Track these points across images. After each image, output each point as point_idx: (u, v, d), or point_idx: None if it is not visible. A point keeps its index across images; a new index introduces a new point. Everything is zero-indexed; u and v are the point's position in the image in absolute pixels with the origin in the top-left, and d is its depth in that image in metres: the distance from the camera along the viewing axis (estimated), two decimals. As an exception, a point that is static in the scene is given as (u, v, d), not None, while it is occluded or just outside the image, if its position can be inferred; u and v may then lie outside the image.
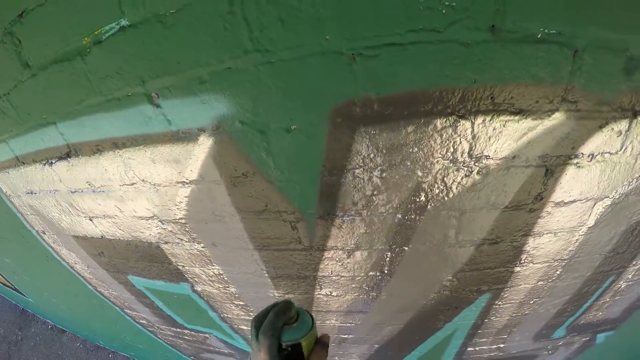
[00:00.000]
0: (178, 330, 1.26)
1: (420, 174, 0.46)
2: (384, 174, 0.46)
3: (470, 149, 0.43)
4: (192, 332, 1.22)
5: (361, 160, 0.45)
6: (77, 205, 0.75)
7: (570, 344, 0.93)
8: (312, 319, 0.42)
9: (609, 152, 0.45)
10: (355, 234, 0.54)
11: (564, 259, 0.59)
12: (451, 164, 0.45)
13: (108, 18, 0.44)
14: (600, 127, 0.42)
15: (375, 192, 0.48)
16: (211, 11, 0.37)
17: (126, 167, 0.57)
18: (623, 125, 0.43)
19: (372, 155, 0.44)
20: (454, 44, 0.35)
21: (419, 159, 0.44)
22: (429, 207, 0.50)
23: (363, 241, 0.56)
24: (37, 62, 0.56)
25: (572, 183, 0.47)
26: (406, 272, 0.60)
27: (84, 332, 2.39)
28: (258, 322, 0.40)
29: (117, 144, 0.55)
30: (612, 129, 0.43)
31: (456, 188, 0.47)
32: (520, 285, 0.65)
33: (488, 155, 0.44)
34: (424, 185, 0.47)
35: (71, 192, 0.73)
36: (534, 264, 0.60)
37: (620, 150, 0.45)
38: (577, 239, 0.56)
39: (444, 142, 0.43)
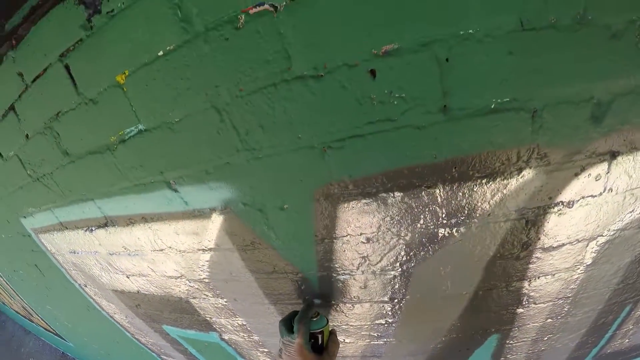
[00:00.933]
0: (212, 376, 1.58)
1: (402, 239, 0.63)
2: (369, 240, 0.64)
3: (444, 213, 0.58)
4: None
5: (347, 229, 0.64)
6: (115, 264, 1.09)
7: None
8: (327, 318, 0.73)
9: (591, 196, 0.55)
10: (355, 289, 0.75)
11: (568, 297, 0.70)
12: (429, 228, 0.60)
13: (128, 123, 0.70)
14: (576, 174, 0.52)
15: (364, 255, 0.67)
16: (206, 121, 0.60)
17: (155, 236, 0.85)
18: (601, 168, 0.52)
19: (355, 225, 0.63)
20: (409, 129, 0.50)
21: (399, 226, 0.61)
22: (416, 264, 0.66)
23: (363, 295, 0.76)
24: (74, 152, 0.87)
25: (557, 229, 0.58)
26: (409, 320, 0.79)
27: (123, 377, 2.98)
28: (286, 323, 0.71)
29: (146, 219, 0.83)
30: (589, 174, 0.52)
31: (438, 247, 0.63)
32: (528, 324, 0.77)
33: (462, 218, 0.58)
34: (408, 247, 0.64)
35: (109, 254, 1.06)
36: (537, 304, 0.71)
37: (604, 191, 0.54)
38: (577, 278, 0.66)
39: (418, 210, 0.58)
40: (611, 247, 0.63)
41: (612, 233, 0.61)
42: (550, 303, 0.72)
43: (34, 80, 0.82)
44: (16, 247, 1.74)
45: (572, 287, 0.68)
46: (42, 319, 2.91)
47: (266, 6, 0.48)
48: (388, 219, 0.61)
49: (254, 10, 0.49)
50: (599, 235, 0.60)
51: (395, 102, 0.49)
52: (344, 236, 0.65)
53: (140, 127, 0.68)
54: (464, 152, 0.51)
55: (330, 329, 0.74)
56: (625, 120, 0.50)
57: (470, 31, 0.43)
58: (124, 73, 0.64)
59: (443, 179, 0.54)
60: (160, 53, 0.58)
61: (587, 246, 0.61)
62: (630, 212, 0.59)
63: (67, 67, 0.73)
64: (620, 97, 0.48)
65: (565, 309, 0.74)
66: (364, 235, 0.64)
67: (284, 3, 0.47)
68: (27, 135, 0.98)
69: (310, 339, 0.68)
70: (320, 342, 0.70)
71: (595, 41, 0.44)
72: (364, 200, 0.59)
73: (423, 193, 0.56)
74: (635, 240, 0.63)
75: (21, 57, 0.82)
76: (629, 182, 0.56)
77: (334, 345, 0.72)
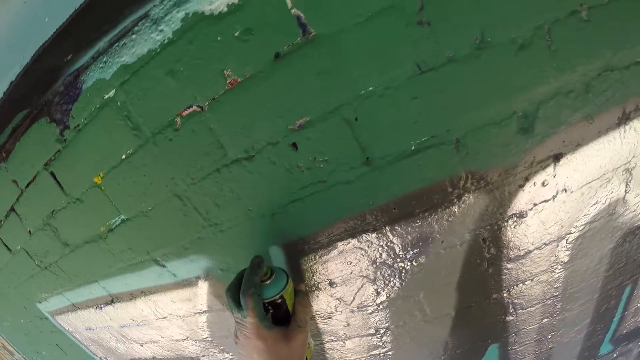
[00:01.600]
0: None
1: (366, 278, 0.69)
2: (333, 285, 0.72)
3: (398, 250, 0.64)
4: None
5: (315, 278, 0.72)
6: (128, 335, 1.18)
7: (629, 351, 0.97)
8: (285, 271, 0.59)
9: (543, 201, 0.58)
10: (340, 328, 0.81)
11: (557, 295, 0.71)
12: (388, 264, 0.66)
13: (111, 215, 0.81)
14: (520, 186, 0.56)
15: (338, 297, 0.74)
16: (172, 207, 0.71)
17: (156, 306, 0.94)
18: (546, 173, 0.55)
19: (321, 273, 0.71)
20: (340, 185, 0.58)
21: (360, 267, 0.68)
22: (387, 298, 0.72)
23: (349, 332, 0.81)
24: (73, 242, 0.98)
25: (518, 240, 0.61)
26: (403, 346, 0.82)
27: None
28: (232, 292, 0.52)
29: (145, 292, 0.93)
30: (534, 183, 0.55)
31: (404, 278, 0.68)
32: (524, 328, 0.79)
33: (415, 251, 0.64)
34: (375, 284, 0.70)
35: (121, 326, 1.15)
36: (525, 309, 0.73)
37: (557, 193, 0.57)
38: (558, 277, 0.68)
39: (372, 250, 0.65)
40: (585, 241, 0.64)
41: (580, 228, 0.61)
42: (539, 305, 0.73)
43: (27, 185, 0.94)
44: (36, 330, 1.85)
45: (556, 286, 0.69)
46: (73, 393, 2.97)
47: (194, 107, 0.58)
48: (347, 264, 0.68)
49: (186, 112, 0.59)
50: (567, 234, 0.62)
51: (321, 165, 0.57)
52: (314, 284, 0.73)
53: (122, 217, 0.79)
54: (397, 194, 0.57)
55: (293, 287, 0.59)
56: (558, 122, 0.51)
57: (370, 89, 0.49)
58: (99, 175, 0.75)
59: (386, 220, 0.60)
60: (123, 157, 0.69)
61: (557, 247, 0.62)
62: (594, 204, 0.60)
63: (52, 174, 0.84)
64: (545, 104, 0.50)
65: (559, 307, 0.75)
66: (331, 281, 0.71)
67: (207, 103, 0.57)
68: (29, 232, 1.10)
69: (267, 308, 0.54)
70: (284, 308, 0.55)
71: (503, 58, 0.46)
72: (321, 251, 0.67)
73: (372, 235, 0.63)
74: (610, 227, 0.64)
75: (13, 167, 0.94)
76: (583, 178, 0.57)
77: (303, 309, 0.57)
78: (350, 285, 0.71)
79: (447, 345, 0.85)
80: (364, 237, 0.64)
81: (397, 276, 0.69)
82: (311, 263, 0.69)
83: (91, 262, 0.99)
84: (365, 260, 0.67)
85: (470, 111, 0.50)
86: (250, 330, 0.51)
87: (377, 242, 0.64)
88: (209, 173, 0.63)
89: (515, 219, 0.58)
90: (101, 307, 1.14)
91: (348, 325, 0.79)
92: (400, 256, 0.65)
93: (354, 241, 0.65)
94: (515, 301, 0.72)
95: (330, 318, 0.79)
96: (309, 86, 0.51)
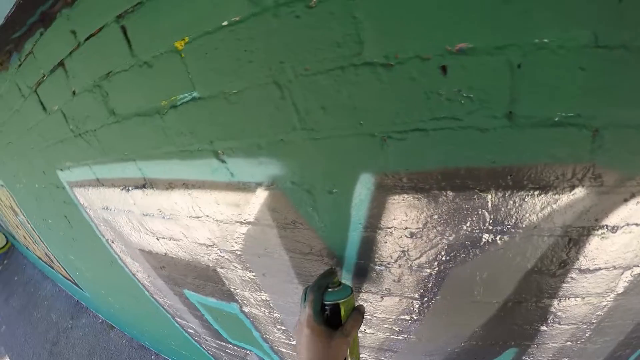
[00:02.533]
0: (222, 343, 1.71)
1: (445, 238, 0.64)
2: (413, 235, 0.67)
3: (492, 219, 0.59)
4: (235, 347, 1.65)
5: (393, 222, 0.66)
6: (147, 225, 1.16)
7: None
8: (352, 289, 0.69)
9: (635, 224, 0.54)
10: (388, 282, 0.77)
11: (593, 322, 0.71)
12: (474, 232, 0.62)
13: (182, 89, 0.73)
14: (625, 200, 0.52)
15: (405, 249, 0.69)
16: (266, 96, 0.62)
17: (193, 203, 0.90)
18: None
19: (402, 219, 0.65)
20: (473, 130, 0.51)
21: (445, 226, 0.63)
22: (454, 266, 0.68)
23: (394, 288, 0.78)
24: (121, 112, 0.91)
25: (596, 253, 0.58)
26: (434, 320, 0.81)
27: (132, 331, 3.24)
28: (306, 288, 0.66)
29: (187, 185, 0.88)
30: (638, 202, 0.52)
31: (479, 251, 0.64)
32: (548, 344, 0.79)
33: (509, 226, 0.59)
34: (449, 248, 0.66)
35: (143, 214, 1.13)
36: (561, 324, 0.73)
37: None
38: (605, 305, 0.67)
39: (466, 212, 0.60)
40: None
41: None
42: (574, 326, 0.73)
43: (87, 38, 0.86)
44: (48, 197, 1.87)
45: (598, 313, 0.69)
46: (62, 267, 3.14)
47: (342, -14, 0.48)
48: (436, 217, 0.62)
49: (326, -10, 0.49)
50: (635, 265, 0.60)
51: (463, 102, 0.50)
52: (388, 228, 0.67)
53: (195, 94, 0.71)
54: (522, 161, 0.52)
55: (355, 305, 0.68)
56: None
57: (545, 40, 0.43)
58: (184, 40, 0.66)
59: (497, 184, 0.55)
60: (225, 23, 0.59)
61: (622, 274, 0.61)
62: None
63: (123, 29, 0.75)
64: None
65: (587, 335, 0.75)
66: (409, 230, 0.66)
67: None
68: (74, 92, 1.03)
69: (325, 310, 0.64)
70: (340, 316, 0.65)
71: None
72: (415, 195, 0.61)
73: (475, 196, 0.57)
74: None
75: (76, 16, 0.85)
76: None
77: (353, 323, 0.65)
78: (425, 241, 0.66)
79: (475, 333, 0.83)
80: (466, 195, 0.58)
81: (475, 247, 0.64)
82: (398, 204, 0.63)
83: (136, 138, 0.93)
84: (455, 219, 0.61)
85: (621, 105, 0.46)
86: (304, 318, 0.63)
87: (475, 205, 0.58)
88: (330, 68, 0.54)
89: (605, 230, 0.56)
90: (129, 189, 1.11)
91: (398, 281, 0.75)
92: (489, 228, 0.61)
93: (454, 195, 0.58)
94: (559, 313, 0.70)
95: (385, 268, 0.75)
96: (488, 11, 0.44)
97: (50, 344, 3.95)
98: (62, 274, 3.64)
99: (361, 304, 0.71)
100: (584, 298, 0.66)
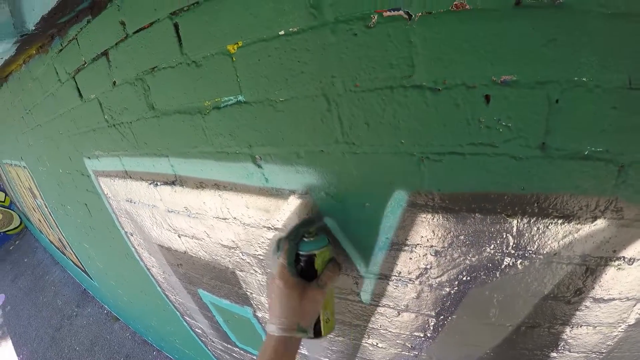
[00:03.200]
0: (229, 346, 1.71)
1: (468, 259, 0.66)
2: (437, 254, 0.68)
3: (515, 243, 0.61)
4: (241, 352, 1.65)
5: (419, 239, 0.68)
6: (170, 222, 1.18)
7: None
8: (328, 239, 0.67)
9: None
10: (407, 297, 0.78)
11: (602, 352, 0.71)
12: (496, 254, 0.64)
13: (228, 92, 0.75)
14: None
15: (428, 267, 0.71)
16: (313, 107, 0.63)
17: (222, 205, 0.92)
18: None
19: (429, 237, 0.66)
20: (507, 157, 0.54)
21: (469, 247, 0.65)
22: (473, 286, 0.70)
23: (412, 305, 0.79)
24: (162, 108, 0.94)
25: (612, 283, 0.60)
26: (447, 340, 0.82)
27: (137, 326, 3.27)
28: (280, 239, 0.63)
29: (218, 186, 0.90)
30: None
31: (499, 274, 0.66)
32: None
33: (531, 251, 0.61)
34: (470, 269, 0.67)
35: (168, 210, 1.15)
36: (571, 352, 0.73)
37: None
38: (616, 335, 0.67)
39: (492, 235, 0.62)
40: None
41: None
42: (584, 355, 0.73)
43: (137, 31, 0.89)
44: (71, 184, 1.93)
45: (608, 343, 0.70)
46: (74, 254, 3.21)
47: (401, 12, 0.51)
48: (462, 237, 0.64)
49: (389, 13, 0.52)
50: None
51: (501, 130, 0.53)
52: (414, 245, 0.69)
53: (240, 98, 0.73)
54: (549, 190, 0.55)
55: (331, 256, 0.66)
56: None
57: (584, 79, 0.46)
58: (237, 43, 0.68)
59: (523, 210, 0.58)
60: (282, 32, 0.61)
61: (634, 306, 0.63)
62: (685, 282, 0.60)
63: (175, 26, 0.78)
64: None
65: None
66: (434, 248, 0.67)
67: (420, 13, 0.50)
68: (114, 82, 1.07)
69: (299, 261, 0.62)
70: (313, 269, 0.63)
71: None
72: (444, 215, 0.63)
73: (501, 220, 0.60)
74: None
75: (128, 7, 0.89)
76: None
77: (329, 274, 0.64)
78: (449, 260, 0.67)
79: (486, 355, 0.82)
80: (493, 219, 0.60)
81: (496, 269, 0.66)
82: (427, 222, 0.64)
83: (172, 136, 0.96)
84: (479, 241, 0.63)
85: None
86: (277, 270, 0.61)
87: (501, 229, 0.61)
88: (379, 87, 0.56)
89: (622, 262, 0.58)
90: (157, 184, 1.13)
91: (417, 298, 0.76)
92: (511, 252, 0.63)
93: (482, 218, 0.61)
94: (570, 341, 0.71)
95: (405, 284, 0.75)
96: (534, 47, 0.47)
97: (53, 329, 4.03)
98: (72, 261, 3.73)
99: (337, 256, 0.68)
100: (595, 327, 0.67)
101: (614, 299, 0.62)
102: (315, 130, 0.65)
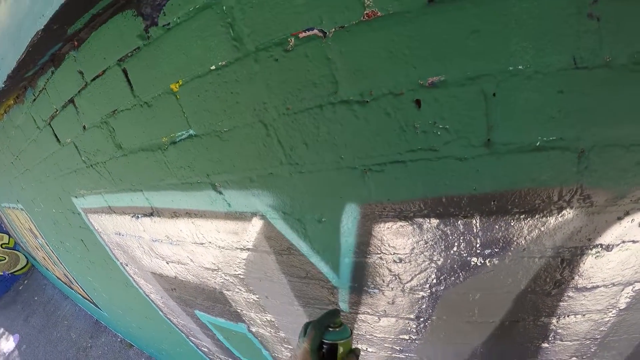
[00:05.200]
0: (235, 361, 1.76)
1: (434, 263, 0.68)
2: (401, 260, 0.71)
3: (479, 243, 0.62)
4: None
5: (380, 248, 0.71)
6: (157, 250, 1.25)
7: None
8: (351, 331, 0.72)
9: (632, 241, 0.55)
10: (383, 304, 0.82)
11: (597, 338, 0.71)
12: (462, 255, 0.65)
13: (179, 127, 0.81)
14: (619, 218, 0.53)
15: (396, 273, 0.74)
16: (253, 134, 0.69)
17: (197, 231, 0.98)
18: None
19: (389, 245, 0.69)
20: (451, 159, 0.55)
21: (432, 251, 0.66)
22: (445, 288, 0.71)
23: (390, 310, 0.82)
24: (127, 147, 1.01)
25: (593, 271, 0.59)
26: (433, 339, 0.84)
27: (150, 350, 3.36)
28: (306, 325, 0.68)
29: (189, 214, 0.96)
30: (633, 220, 0.52)
31: (470, 274, 0.67)
32: (552, 359, 0.79)
33: (496, 250, 0.61)
34: (439, 271, 0.69)
35: (152, 240, 1.22)
36: (563, 341, 0.73)
37: None
38: (608, 320, 0.67)
39: (452, 238, 0.63)
40: None
41: None
42: (577, 342, 0.74)
43: (93, 79, 0.96)
44: (65, 222, 2.01)
45: (601, 329, 0.70)
46: (81, 287, 3.32)
47: (315, 31, 0.54)
48: (422, 242, 0.66)
49: (304, 34, 0.55)
50: (636, 281, 0.61)
51: (439, 133, 0.54)
52: (377, 254, 0.72)
53: (191, 132, 0.79)
54: (504, 187, 0.55)
55: (352, 347, 0.71)
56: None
57: (520, 67, 0.46)
58: (178, 82, 0.74)
59: (481, 210, 0.58)
60: (213, 67, 0.67)
61: (622, 290, 0.62)
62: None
63: (124, 71, 0.85)
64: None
65: (592, 350, 0.75)
66: (397, 255, 0.70)
67: (333, 29, 0.53)
68: (84, 127, 1.14)
69: (322, 349, 0.67)
70: (335, 356, 0.68)
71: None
72: (400, 223, 0.65)
73: (459, 222, 0.61)
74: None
75: (82, 58, 0.96)
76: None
77: None
78: (414, 265, 0.70)
79: (476, 351, 0.85)
80: (451, 221, 0.61)
81: (465, 270, 0.67)
82: (385, 231, 0.68)
83: (141, 171, 1.03)
84: (441, 244, 0.65)
85: (605, 125, 0.47)
86: (301, 353, 0.64)
87: (461, 230, 0.62)
88: (309, 107, 0.60)
89: (599, 249, 0.57)
90: (138, 217, 1.20)
91: (393, 303, 0.80)
92: (477, 251, 0.64)
93: (439, 222, 0.62)
94: (559, 331, 0.72)
95: (379, 291, 0.79)
96: (456, 43, 0.47)
97: (70, 363, 4.15)
98: (81, 294, 3.84)
99: (357, 347, 0.74)
100: (584, 315, 0.68)
101: (598, 287, 0.63)
102: (261, 155, 0.71)
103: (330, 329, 0.69)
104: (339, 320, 0.71)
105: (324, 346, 0.67)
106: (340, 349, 0.67)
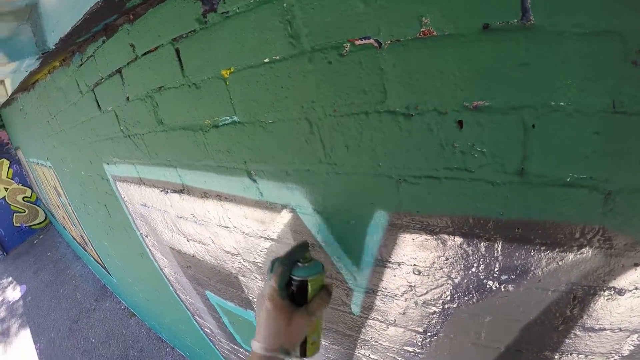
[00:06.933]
0: (235, 347, 1.86)
1: (451, 280, 0.70)
2: (420, 273, 0.73)
3: (498, 268, 0.64)
4: (247, 353, 1.77)
5: (402, 258, 0.74)
6: (180, 227, 1.32)
7: None
8: (322, 266, 0.70)
9: None
10: (394, 313, 0.84)
11: None
12: (479, 277, 0.67)
13: (224, 112, 0.86)
14: (636, 264, 0.53)
15: (412, 284, 0.76)
16: (297, 129, 0.73)
17: (224, 214, 1.04)
18: None
19: (411, 256, 0.72)
20: (483, 182, 0.57)
21: (451, 268, 0.69)
22: (457, 307, 0.73)
23: (399, 320, 0.85)
24: (169, 123, 1.07)
25: (602, 313, 0.60)
26: (436, 356, 0.86)
27: (152, 322, 3.51)
28: (274, 261, 0.66)
29: (220, 197, 1.01)
30: None
31: (483, 297, 0.69)
32: None
33: (513, 276, 0.63)
34: (454, 289, 0.71)
35: (177, 216, 1.29)
36: None
37: None
38: None
39: (472, 258, 0.65)
40: None
41: None
42: None
43: (145, 54, 1.02)
44: (92, 186, 2.14)
45: None
46: (95, 250, 3.50)
47: (371, 40, 0.57)
48: (443, 258, 0.69)
49: (360, 42, 0.58)
50: None
51: (476, 155, 0.56)
52: (397, 263, 0.75)
53: (235, 118, 0.84)
54: (530, 216, 0.56)
55: (324, 283, 0.69)
56: None
57: (562, 104, 0.47)
58: (229, 69, 0.79)
59: (504, 236, 0.60)
60: (266, 60, 0.71)
61: (627, 337, 0.62)
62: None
63: (177, 51, 0.90)
64: None
65: None
66: (417, 268, 0.73)
67: (389, 41, 0.55)
68: (127, 98, 1.21)
69: (291, 286, 0.65)
70: (306, 293, 0.66)
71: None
72: (425, 236, 0.68)
73: (482, 244, 0.63)
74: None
75: (135, 32, 1.02)
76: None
77: (320, 302, 0.66)
78: (432, 280, 0.73)
79: None
80: (474, 242, 0.64)
81: (479, 292, 0.70)
82: (409, 242, 0.70)
83: (179, 149, 1.09)
84: (461, 263, 0.67)
85: (634, 171, 0.47)
86: (268, 291, 0.63)
87: (483, 253, 0.64)
88: (355, 112, 0.64)
89: (612, 292, 0.58)
90: (167, 192, 1.27)
91: (404, 314, 0.83)
92: (495, 276, 0.66)
93: (462, 241, 0.65)
94: None
95: (392, 300, 0.82)
96: (505, 72, 0.49)
97: (71, 321, 4.41)
98: (93, 257, 4.05)
99: (330, 282, 0.73)
100: (586, 356, 0.68)
101: (604, 329, 0.63)
102: (301, 151, 0.75)
103: (300, 265, 0.67)
104: (309, 255, 0.69)
105: (293, 283, 0.65)
106: (310, 286, 0.66)
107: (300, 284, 0.65)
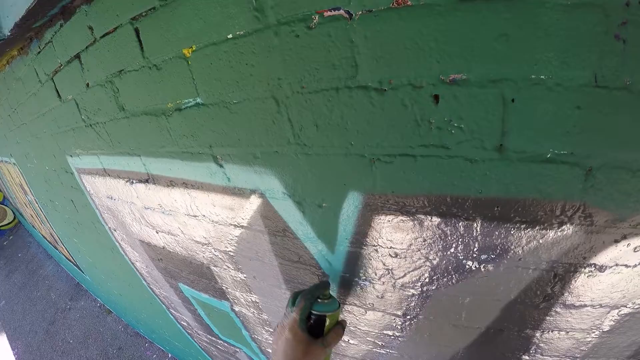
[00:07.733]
0: (213, 339, 1.77)
1: (429, 262, 0.67)
2: (397, 255, 0.69)
3: (476, 247, 0.61)
4: (225, 344, 1.71)
5: (378, 240, 0.69)
6: (148, 218, 1.21)
7: None
8: (340, 304, 0.72)
9: (625, 265, 0.54)
10: (371, 297, 0.80)
11: (576, 357, 0.71)
12: (458, 258, 0.64)
13: (187, 94, 0.78)
14: (616, 241, 0.52)
15: (389, 268, 0.72)
16: (264, 109, 0.66)
17: (192, 202, 0.95)
18: None
19: (387, 238, 0.68)
20: (461, 159, 0.53)
21: (429, 249, 0.65)
22: (436, 288, 0.70)
23: (378, 304, 0.81)
24: (130, 109, 0.97)
25: (582, 290, 0.59)
26: (416, 339, 0.83)
27: (129, 318, 3.34)
28: (295, 295, 0.70)
29: (186, 184, 0.93)
30: (629, 244, 0.52)
31: (463, 277, 0.66)
32: None
33: (492, 256, 0.61)
34: (433, 271, 0.68)
35: (145, 207, 1.18)
36: (543, 356, 0.73)
37: (638, 264, 0.54)
38: (590, 341, 0.67)
39: (451, 238, 0.62)
40: (632, 320, 0.63)
41: (636, 306, 0.61)
42: (557, 358, 0.73)
43: (103, 36, 0.91)
44: (57, 180, 1.96)
45: (582, 348, 0.69)
46: (66, 248, 3.26)
47: (342, 11, 0.51)
48: (420, 240, 0.65)
49: (329, 13, 0.53)
50: (622, 306, 0.61)
51: (453, 131, 0.52)
52: (373, 245, 0.70)
53: (199, 100, 0.76)
54: (509, 194, 0.54)
55: (339, 319, 0.72)
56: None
57: (542, 77, 0.44)
58: (191, 47, 0.71)
59: (483, 214, 0.57)
60: (230, 36, 0.64)
61: (608, 313, 0.62)
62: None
63: (136, 31, 0.81)
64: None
65: None
66: (393, 250, 0.69)
67: (360, 12, 0.50)
68: (87, 84, 1.09)
69: (310, 319, 0.68)
70: (323, 327, 0.69)
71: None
72: (401, 217, 0.63)
73: (460, 224, 0.59)
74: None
75: (93, 13, 0.91)
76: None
77: (334, 337, 0.69)
78: (409, 262, 0.69)
79: (457, 355, 0.85)
80: (452, 222, 0.60)
81: (459, 272, 0.66)
82: (385, 224, 0.66)
83: (142, 135, 0.99)
84: (439, 244, 0.64)
85: (616, 147, 0.46)
86: (288, 322, 0.66)
87: (461, 232, 0.61)
88: (325, 88, 0.58)
89: (592, 269, 0.57)
90: (132, 182, 1.17)
91: (382, 297, 0.79)
92: (474, 255, 0.63)
93: (440, 222, 0.61)
94: (541, 345, 0.72)
95: (369, 283, 0.78)
96: (483, 43, 0.45)
97: (47, 323, 4.10)
98: (65, 255, 3.78)
99: (344, 319, 0.74)
100: (567, 332, 0.68)
101: (585, 306, 0.62)
102: (268, 132, 0.68)
103: (319, 300, 0.70)
104: (328, 292, 0.73)
105: (312, 317, 0.68)
106: (328, 321, 0.69)
107: (318, 318, 0.68)
